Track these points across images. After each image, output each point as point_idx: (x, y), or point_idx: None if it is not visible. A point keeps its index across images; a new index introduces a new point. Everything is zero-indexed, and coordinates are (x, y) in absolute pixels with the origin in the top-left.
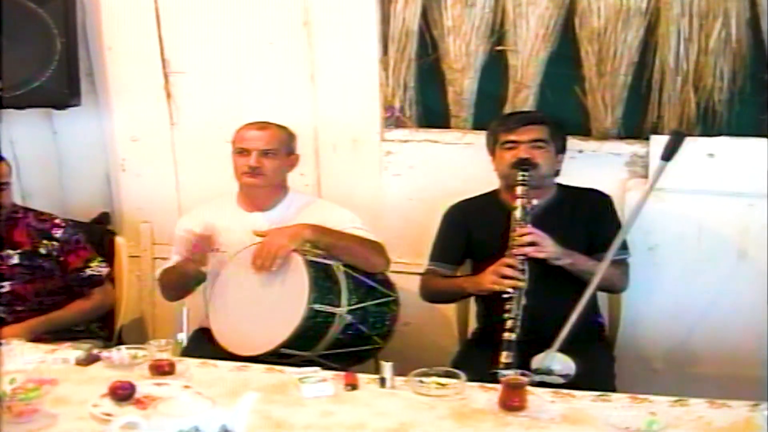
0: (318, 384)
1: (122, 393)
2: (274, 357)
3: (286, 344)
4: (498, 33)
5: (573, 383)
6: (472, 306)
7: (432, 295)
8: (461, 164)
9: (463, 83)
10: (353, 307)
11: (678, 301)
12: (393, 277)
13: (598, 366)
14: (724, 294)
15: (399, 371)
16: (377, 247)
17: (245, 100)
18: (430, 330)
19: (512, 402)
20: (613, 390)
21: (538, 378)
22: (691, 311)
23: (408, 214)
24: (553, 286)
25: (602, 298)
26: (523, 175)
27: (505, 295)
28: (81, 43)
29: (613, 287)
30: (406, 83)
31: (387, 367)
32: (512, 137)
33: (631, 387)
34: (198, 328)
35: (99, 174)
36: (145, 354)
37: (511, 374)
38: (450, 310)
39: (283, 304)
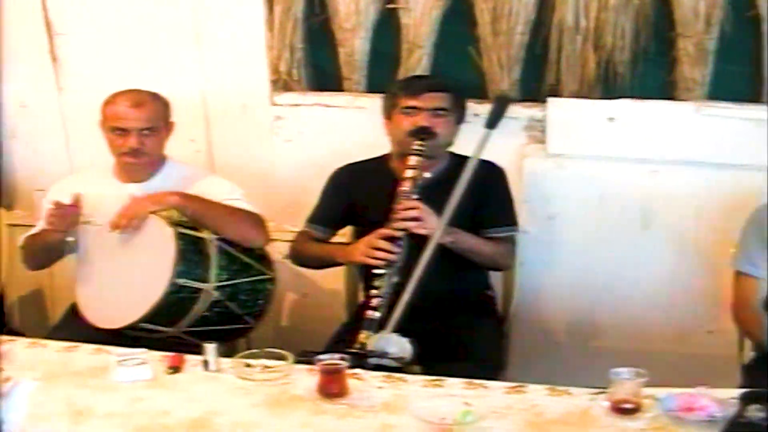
0: (135, 367)
1: None
2: (142, 332)
3: (146, 319)
4: None
5: (457, 358)
6: None
7: (300, 258)
8: (354, 129)
9: (354, 44)
10: (222, 283)
11: (580, 272)
12: (286, 246)
13: (485, 341)
14: (628, 264)
15: (297, 344)
16: (255, 220)
17: (131, 63)
18: (328, 301)
19: (331, 389)
20: (500, 365)
21: (374, 361)
22: (593, 282)
23: (301, 181)
24: (439, 262)
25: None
26: (420, 145)
27: (376, 271)
28: None
29: (497, 265)
30: (292, 45)
31: (210, 349)
32: (414, 103)
33: (532, 361)
34: (73, 303)
35: None
36: None
37: (327, 359)
38: (341, 281)
39: (149, 276)
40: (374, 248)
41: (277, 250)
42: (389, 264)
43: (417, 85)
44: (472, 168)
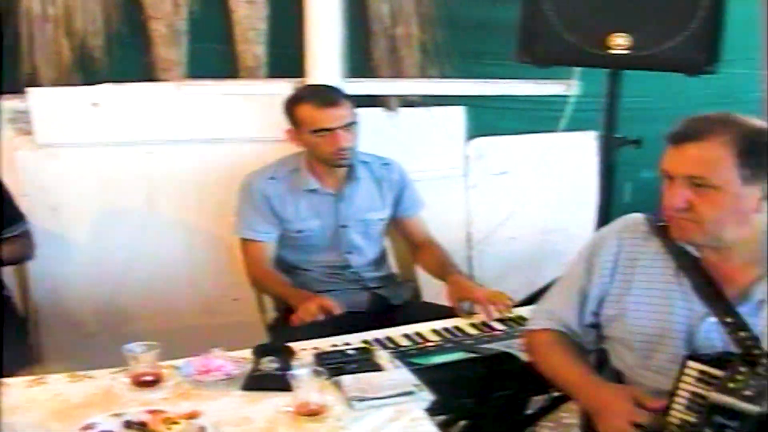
0: None
1: None
2: None
3: None
4: None
5: None
6: None
7: None
8: None
9: None
10: None
11: (95, 261)
12: None
13: (7, 343)
14: (142, 246)
15: None
16: None
17: None
18: None
19: None
20: (24, 364)
21: None
22: (111, 269)
23: None
24: None
25: (7, 270)
26: None
27: None
28: None
29: (24, 260)
30: None
31: None
32: None
33: (69, 355)
34: None
35: None
36: None
37: None
38: None
39: None
40: None
41: None
42: None
43: None
44: None
